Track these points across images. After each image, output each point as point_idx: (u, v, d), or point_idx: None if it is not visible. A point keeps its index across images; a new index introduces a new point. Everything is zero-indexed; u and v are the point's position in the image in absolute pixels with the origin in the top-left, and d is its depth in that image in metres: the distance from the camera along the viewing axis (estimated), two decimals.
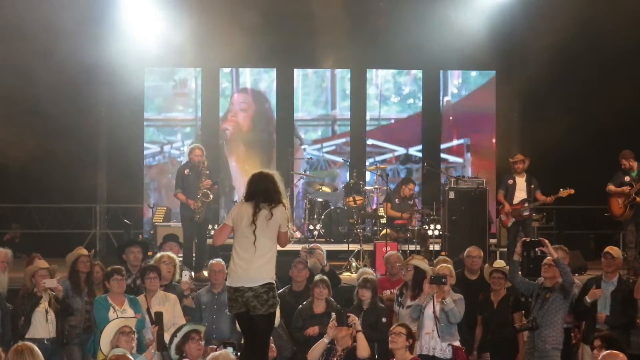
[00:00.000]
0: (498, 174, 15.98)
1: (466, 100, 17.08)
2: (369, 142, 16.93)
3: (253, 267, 7.51)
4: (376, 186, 14.52)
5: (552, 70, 15.21)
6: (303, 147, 16.86)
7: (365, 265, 12.77)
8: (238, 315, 7.66)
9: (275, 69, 16.86)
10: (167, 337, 8.20)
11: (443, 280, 8.68)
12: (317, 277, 9.55)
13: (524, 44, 16.07)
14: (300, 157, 16.31)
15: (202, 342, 8.01)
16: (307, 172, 15.67)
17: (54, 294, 9.03)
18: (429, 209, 14.45)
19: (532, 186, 12.85)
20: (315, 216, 14.52)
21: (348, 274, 12.50)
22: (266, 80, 17.02)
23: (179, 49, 15.38)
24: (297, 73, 16.96)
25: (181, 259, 10.93)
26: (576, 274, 11.08)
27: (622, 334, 8.54)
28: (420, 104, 17.04)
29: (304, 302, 9.43)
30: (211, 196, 12.32)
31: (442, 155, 16.94)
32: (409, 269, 9.33)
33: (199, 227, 12.40)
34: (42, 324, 8.90)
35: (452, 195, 13.29)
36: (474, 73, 17.12)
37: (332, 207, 14.59)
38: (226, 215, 10.01)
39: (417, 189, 15.16)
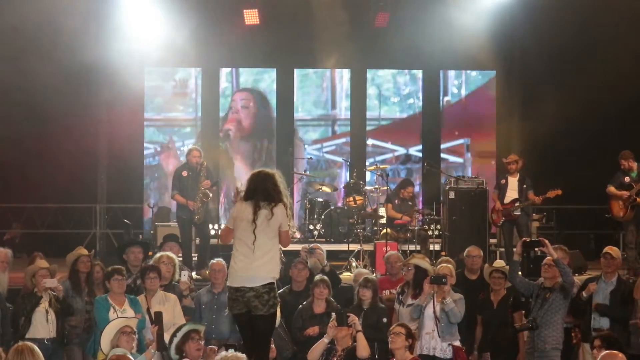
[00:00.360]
0: (498, 174, 15.99)
1: (466, 100, 17.08)
2: (369, 142, 16.94)
3: (254, 266, 7.51)
4: (376, 186, 14.52)
5: (552, 70, 15.21)
6: (303, 147, 16.88)
7: (365, 266, 12.78)
8: (238, 315, 7.66)
9: (275, 69, 16.87)
10: (167, 337, 8.20)
11: (443, 280, 8.68)
12: (317, 277, 9.56)
13: (524, 44, 16.08)
14: (300, 157, 16.31)
15: (202, 342, 8.01)
16: (307, 172, 15.67)
17: (54, 294, 9.03)
18: (429, 209, 14.45)
19: (525, 186, 12.86)
20: (315, 216, 14.53)
21: (348, 274, 12.49)
22: (266, 80, 17.02)
23: (179, 49, 15.38)
24: (297, 73, 16.96)
25: (181, 259, 10.93)
26: (576, 274, 11.08)
27: (621, 333, 8.55)
28: (420, 104, 17.04)
29: (304, 302, 9.43)
30: (211, 195, 12.33)
31: (442, 155, 16.95)
32: (409, 268, 9.34)
33: (200, 227, 12.40)
34: (43, 324, 8.91)
35: (452, 195, 13.29)
36: (474, 73, 17.13)
37: (332, 207, 14.60)
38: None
39: (417, 189, 15.18)
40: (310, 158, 16.43)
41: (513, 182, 12.93)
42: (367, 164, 16.34)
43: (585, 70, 15.08)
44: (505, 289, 9.66)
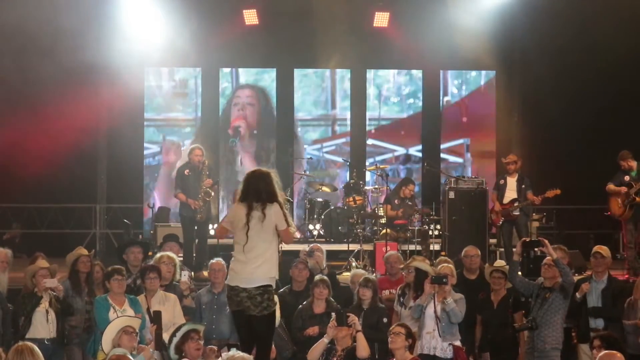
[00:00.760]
0: (498, 174, 15.99)
1: (466, 100, 17.08)
2: (369, 142, 16.94)
3: (247, 269, 7.52)
4: (376, 186, 14.52)
5: (552, 70, 15.22)
6: (303, 147, 16.88)
7: (365, 266, 12.78)
8: (235, 313, 7.70)
9: (275, 69, 16.87)
10: (166, 337, 8.20)
11: (444, 280, 8.69)
12: (317, 277, 9.56)
13: (524, 44, 16.08)
14: (300, 157, 16.31)
15: (201, 342, 8.00)
16: (307, 172, 15.67)
17: (54, 294, 9.03)
18: (429, 208, 14.45)
19: (523, 186, 12.86)
20: (315, 216, 14.53)
21: (348, 274, 12.49)
22: (266, 80, 17.02)
23: (179, 49, 15.39)
24: (297, 73, 16.96)
25: (181, 259, 10.93)
26: (576, 274, 11.09)
27: (615, 332, 8.55)
28: (420, 104, 17.04)
29: (304, 302, 9.43)
30: (212, 194, 12.37)
31: (442, 155, 16.95)
32: (410, 270, 9.35)
33: (199, 227, 12.42)
34: (43, 324, 8.90)
35: (452, 195, 13.30)
36: (474, 73, 17.12)
37: (332, 207, 14.60)
38: None
39: (417, 189, 15.18)
40: (310, 158, 16.43)
41: (512, 182, 12.94)
42: (367, 164, 16.34)
43: (585, 70, 15.09)
44: (506, 289, 9.66)
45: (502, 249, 13.19)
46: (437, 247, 13.40)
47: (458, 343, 8.75)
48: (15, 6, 13.17)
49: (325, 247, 11.15)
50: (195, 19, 15.34)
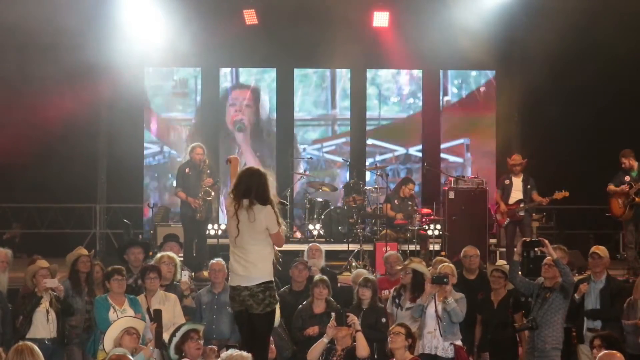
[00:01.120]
0: (498, 174, 16.00)
1: (466, 100, 17.08)
2: (369, 142, 16.93)
3: (242, 265, 7.47)
4: (376, 186, 14.53)
5: (552, 70, 15.21)
6: (302, 147, 16.88)
7: (365, 266, 12.78)
8: (237, 314, 7.67)
9: (275, 69, 16.87)
10: (166, 337, 8.20)
11: (445, 280, 8.70)
12: (316, 277, 9.57)
13: (524, 44, 16.07)
14: (300, 157, 16.32)
15: (201, 342, 8.01)
16: (307, 172, 15.68)
17: (55, 294, 9.03)
18: (428, 209, 14.46)
19: (529, 187, 12.87)
20: (315, 216, 14.53)
21: (348, 273, 12.50)
22: (266, 80, 17.02)
23: (179, 49, 15.39)
24: (297, 73, 16.96)
25: (182, 258, 10.93)
26: (576, 274, 11.09)
27: (613, 331, 8.56)
28: (420, 104, 17.04)
29: (304, 302, 9.44)
30: (213, 194, 12.36)
31: (442, 155, 16.94)
32: (407, 272, 9.36)
33: (199, 227, 12.42)
34: (43, 324, 8.90)
35: (452, 195, 13.31)
36: (474, 73, 17.12)
37: (332, 207, 14.60)
38: None
39: (417, 188, 15.18)
40: (310, 158, 16.43)
41: (517, 183, 12.93)
42: (367, 164, 16.34)
43: (585, 70, 15.09)
44: (507, 290, 9.66)
45: (502, 249, 13.20)
46: (437, 247, 13.40)
47: (459, 342, 8.76)
48: (16, 5, 13.17)
49: (326, 247, 11.15)
50: (195, 18, 15.33)
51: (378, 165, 15.46)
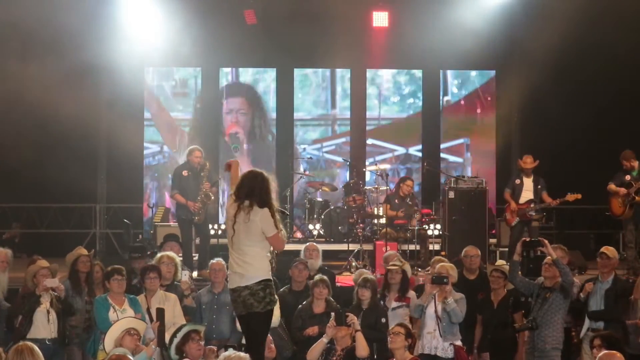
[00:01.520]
0: (498, 174, 16.01)
1: (466, 100, 17.08)
2: (369, 142, 16.93)
3: (239, 264, 7.46)
4: (376, 186, 14.53)
5: (552, 70, 15.21)
6: (302, 147, 16.88)
7: (365, 266, 12.78)
8: (241, 317, 7.63)
9: (275, 69, 16.87)
10: (167, 337, 8.20)
11: (445, 280, 8.70)
12: (316, 277, 9.57)
13: (524, 44, 16.07)
14: (300, 157, 16.31)
15: (202, 342, 8.01)
16: (307, 172, 15.67)
17: (55, 294, 9.02)
18: (428, 208, 14.45)
19: (539, 187, 12.86)
20: (315, 216, 14.53)
21: (348, 273, 12.50)
22: (266, 80, 17.03)
23: (179, 49, 15.39)
24: (297, 73, 16.96)
25: (181, 259, 10.92)
26: (576, 274, 11.09)
27: (617, 332, 8.55)
28: (420, 104, 17.04)
29: (304, 302, 9.44)
30: (212, 197, 12.31)
31: (442, 155, 16.94)
32: (398, 272, 9.38)
33: (200, 227, 12.38)
34: (44, 324, 8.90)
35: (452, 195, 13.31)
36: (473, 73, 17.12)
37: (332, 207, 14.60)
38: None
39: (417, 188, 15.17)
40: (310, 158, 16.43)
41: (528, 183, 12.92)
42: (367, 163, 16.34)
43: (585, 70, 15.09)
44: (506, 290, 9.66)
45: (503, 249, 13.20)
46: (437, 247, 13.40)
47: (459, 343, 8.77)
48: (16, 5, 13.17)
49: (326, 247, 11.14)
50: (195, 18, 15.33)
51: (378, 165, 15.47)
